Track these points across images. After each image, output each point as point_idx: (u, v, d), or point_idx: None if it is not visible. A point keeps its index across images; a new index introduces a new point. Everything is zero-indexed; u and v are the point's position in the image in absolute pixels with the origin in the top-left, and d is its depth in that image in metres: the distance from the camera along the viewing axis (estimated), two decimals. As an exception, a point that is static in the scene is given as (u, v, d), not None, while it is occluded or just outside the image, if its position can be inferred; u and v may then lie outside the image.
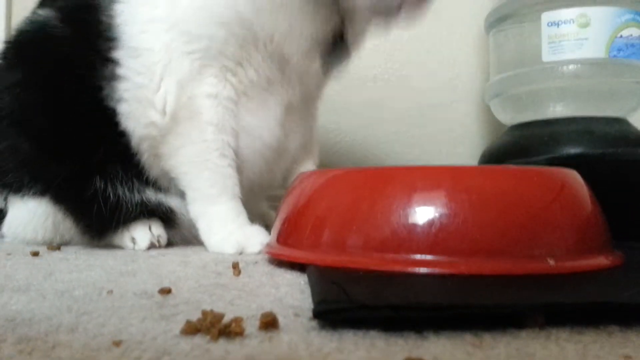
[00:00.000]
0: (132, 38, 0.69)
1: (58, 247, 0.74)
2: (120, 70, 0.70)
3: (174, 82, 0.69)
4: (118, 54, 0.70)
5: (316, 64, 0.74)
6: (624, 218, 0.55)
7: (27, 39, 0.76)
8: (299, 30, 0.69)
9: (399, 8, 0.64)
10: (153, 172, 0.74)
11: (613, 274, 0.45)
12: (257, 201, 0.80)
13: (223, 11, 0.67)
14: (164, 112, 0.70)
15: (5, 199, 0.79)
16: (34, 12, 0.78)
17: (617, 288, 0.40)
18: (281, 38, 0.70)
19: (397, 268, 0.44)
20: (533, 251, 0.44)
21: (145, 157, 0.73)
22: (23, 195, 0.75)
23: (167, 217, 0.77)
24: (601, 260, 0.47)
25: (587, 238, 0.48)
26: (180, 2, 0.68)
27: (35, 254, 0.67)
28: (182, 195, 0.75)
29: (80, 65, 0.70)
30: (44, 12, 0.74)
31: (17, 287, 0.45)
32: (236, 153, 0.73)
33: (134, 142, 0.72)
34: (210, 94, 0.70)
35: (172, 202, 0.76)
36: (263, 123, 0.74)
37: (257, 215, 0.76)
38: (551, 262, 0.43)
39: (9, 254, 0.66)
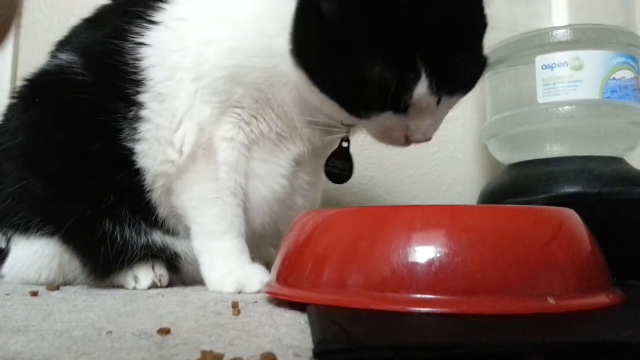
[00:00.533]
0: (159, 83, 0.72)
1: (57, 287, 0.74)
2: (143, 112, 0.72)
3: (194, 124, 0.72)
4: (143, 97, 0.72)
5: (323, 134, 0.76)
6: (623, 256, 0.55)
7: (47, 81, 0.77)
8: (307, 106, 0.72)
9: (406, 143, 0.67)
10: (162, 209, 0.75)
11: (614, 312, 0.45)
12: (262, 247, 0.80)
13: (244, 75, 0.71)
14: (181, 151, 0.72)
15: (8, 240, 0.79)
16: (54, 55, 0.79)
17: (618, 327, 0.40)
18: (290, 108, 0.73)
19: (398, 307, 0.44)
20: (533, 290, 0.44)
21: (158, 194, 0.74)
22: (30, 236, 0.75)
23: (170, 261, 0.77)
24: (602, 299, 0.47)
25: (587, 276, 0.48)
26: (209, 58, 0.71)
27: (35, 293, 0.66)
28: (187, 237, 0.76)
29: (101, 108, 0.72)
30: (66, 57, 0.76)
31: (16, 327, 0.45)
32: (245, 197, 0.74)
33: (149, 178, 0.73)
34: (226, 137, 0.72)
35: (177, 247, 0.77)
36: (271, 173, 0.76)
37: (261, 258, 0.76)
38: (551, 300, 0.43)
39: (7, 294, 0.66)
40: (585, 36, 1.01)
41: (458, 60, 0.59)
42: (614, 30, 1.03)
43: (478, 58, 0.65)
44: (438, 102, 0.62)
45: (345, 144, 0.81)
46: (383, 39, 0.58)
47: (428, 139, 0.66)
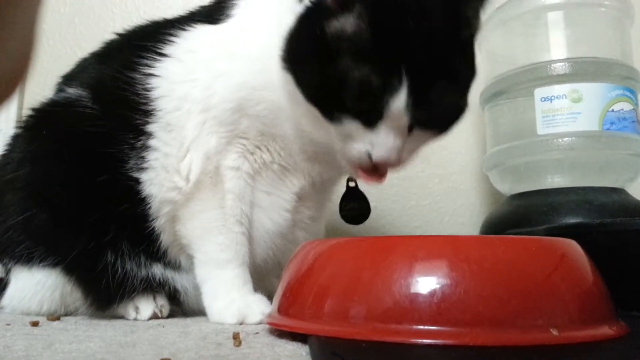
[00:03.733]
0: (168, 114, 0.74)
1: (58, 318, 0.73)
2: (151, 142, 0.74)
3: (201, 153, 0.73)
4: (152, 127, 0.74)
5: (323, 169, 0.77)
6: (625, 288, 0.55)
7: (54, 113, 0.78)
8: (307, 139, 0.73)
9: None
10: (165, 237, 0.75)
11: (617, 344, 0.45)
12: (266, 278, 0.80)
13: (250, 107, 0.72)
14: (187, 179, 0.73)
15: (8, 271, 0.79)
16: (61, 89, 0.81)
17: (622, 358, 0.40)
18: (291, 141, 0.74)
19: (400, 339, 0.44)
20: (536, 321, 0.44)
21: (162, 222, 0.74)
22: (32, 267, 0.75)
23: (170, 296, 0.77)
24: (605, 331, 0.46)
25: (589, 308, 0.48)
26: (217, 91, 0.73)
27: (35, 324, 0.66)
28: (188, 270, 0.76)
29: (108, 140, 0.73)
30: (74, 91, 0.77)
31: (16, 357, 0.45)
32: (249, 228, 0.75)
33: (155, 206, 0.74)
34: (233, 167, 0.74)
35: (177, 282, 0.77)
36: (275, 206, 0.77)
37: (264, 288, 0.76)
38: (554, 332, 0.43)
39: (8, 324, 0.66)
40: (583, 69, 1.02)
41: (438, 86, 0.61)
42: (612, 63, 1.04)
43: (458, 98, 0.66)
44: (410, 130, 0.63)
45: (352, 184, 0.81)
46: (379, 47, 0.60)
47: (391, 163, 0.64)
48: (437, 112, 0.63)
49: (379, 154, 0.63)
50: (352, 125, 0.63)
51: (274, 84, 0.70)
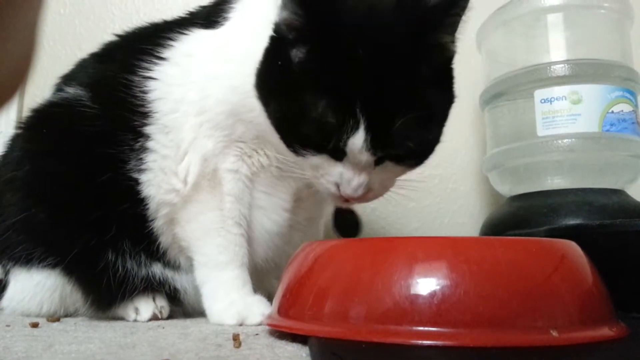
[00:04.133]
0: (164, 116, 0.74)
1: (58, 319, 0.73)
2: (149, 144, 0.74)
3: (199, 156, 0.73)
4: (150, 129, 0.74)
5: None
6: (625, 289, 0.55)
7: (54, 113, 0.78)
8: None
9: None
10: (164, 239, 0.75)
11: (617, 345, 0.45)
12: (266, 279, 0.80)
13: (244, 113, 0.72)
14: (185, 181, 0.73)
15: (7, 272, 0.79)
16: (60, 89, 0.81)
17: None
18: (285, 151, 0.73)
19: (400, 340, 0.44)
20: (536, 322, 0.44)
21: (161, 223, 0.74)
22: (31, 268, 0.75)
23: (170, 295, 0.77)
24: (605, 332, 0.46)
25: (589, 309, 0.48)
26: (212, 94, 0.73)
27: (35, 325, 0.66)
28: (187, 271, 0.76)
29: (108, 140, 0.73)
30: (74, 90, 0.77)
31: (16, 359, 0.45)
32: (249, 229, 0.75)
33: (153, 206, 0.74)
34: (231, 170, 0.74)
35: (177, 282, 0.77)
36: (275, 206, 0.77)
37: (264, 289, 0.76)
38: (554, 333, 0.43)
39: (7, 325, 0.66)
40: (583, 71, 1.02)
41: (402, 122, 0.58)
42: (612, 65, 1.05)
43: (428, 132, 0.63)
44: (378, 163, 0.62)
45: None
46: (333, 83, 0.59)
47: (359, 198, 0.64)
48: (403, 149, 0.61)
49: (346, 191, 0.63)
50: (318, 159, 0.63)
51: None
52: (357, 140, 0.58)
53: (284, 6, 0.61)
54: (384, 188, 0.67)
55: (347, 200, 0.65)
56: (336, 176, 0.63)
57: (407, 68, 0.60)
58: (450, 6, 0.61)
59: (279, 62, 0.63)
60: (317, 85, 0.59)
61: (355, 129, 0.58)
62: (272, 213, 0.76)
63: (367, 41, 0.58)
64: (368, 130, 0.58)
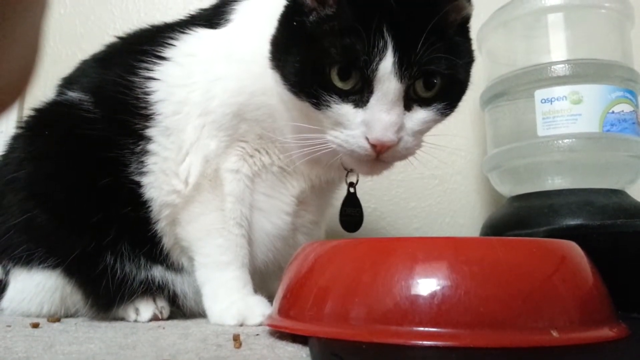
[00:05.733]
0: (167, 118, 0.74)
1: (58, 319, 0.73)
2: (150, 146, 0.73)
3: (200, 157, 0.73)
4: (151, 132, 0.74)
5: (321, 171, 0.77)
6: (626, 289, 0.55)
7: (55, 115, 0.78)
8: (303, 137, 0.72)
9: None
10: (167, 240, 0.75)
11: (618, 346, 0.45)
12: (268, 281, 0.80)
13: (249, 112, 0.72)
14: (186, 182, 0.73)
15: (7, 272, 0.79)
16: (62, 92, 0.80)
17: (623, 361, 0.40)
18: (289, 140, 0.73)
19: (400, 341, 0.44)
20: (536, 323, 0.44)
21: (163, 225, 0.74)
22: (31, 268, 0.75)
23: (170, 299, 0.77)
24: (606, 332, 0.46)
25: (590, 309, 0.48)
26: (216, 95, 0.72)
27: (35, 325, 0.66)
28: (189, 273, 0.76)
29: (110, 144, 0.72)
30: (76, 95, 0.77)
31: (17, 359, 0.45)
32: (249, 230, 0.75)
33: (155, 209, 0.74)
34: (232, 169, 0.73)
35: (177, 286, 0.76)
36: (275, 209, 0.77)
37: (265, 290, 0.76)
38: (555, 334, 0.43)
39: (8, 326, 0.66)
40: (583, 71, 1.02)
41: (428, 44, 0.58)
42: (612, 65, 1.05)
43: (454, 64, 0.62)
44: (409, 107, 0.61)
45: (352, 190, 0.81)
46: (354, 17, 0.59)
47: (390, 141, 0.60)
48: (430, 74, 0.61)
49: (375, 133, 0.60)
50: (342, 110, 0.61)
51: (272, 88, 0.69)
52: (387, 63, 0.58)
53: None
54: (414, 139, 0.64)
55: (379, 151, 0.61)
56: (363, 126, 0.61)
57: (433, 5, 0.60)
58: None
59: (294, 23, 0.63)
60: (341, 26, 0.59)
61: (383, 51, 0.57)
62: (272, 216, 0.76)
63: None
64: (396, 51, 0.58)
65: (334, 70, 0.60)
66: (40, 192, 0.74)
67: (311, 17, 0.62)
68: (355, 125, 0.61)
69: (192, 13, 0.84)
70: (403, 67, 0.58)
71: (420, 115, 0.63)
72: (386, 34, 0.58)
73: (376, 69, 0.58)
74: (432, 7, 0.60)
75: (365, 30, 0.58)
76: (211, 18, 0.79)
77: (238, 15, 0.77)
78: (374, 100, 0.60)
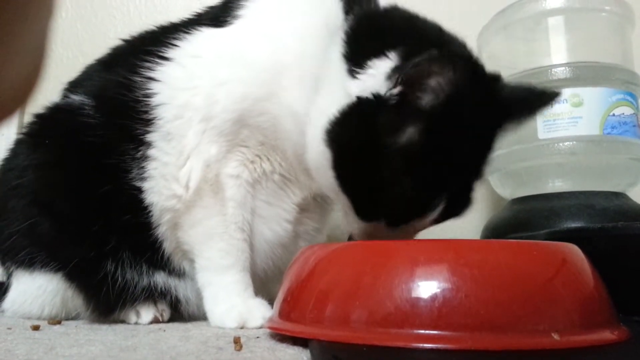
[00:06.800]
0: (168, 123, 0.72)
1: (59, 321, 0.73)
2: (151, 151, 0.73)
3: (201, 161, 0.72)
4: (152, 137, 0.73)
5: None
6: (627, 292, 0.55)
7: (57, 121, 0.77)
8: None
9: None
10: (168, 244, 0.75)
11: (619, 349, 0.45)
12: (270, 286, 0.80)
13: (251, 118, 0.72)
14: (187, 187, 0.73)
15: (9, 274, 0.79)
16: (66, 95, 0.80)
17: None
18: (290, 156, 0.74)
19: (401, 343, 0.44)
20: (537, 326, 0.44)
21: (164, 229, 0.74)
22: (33, 271, 0.75)
23: (172, 306, 0.77)
24: (606, 335, 0.46)
25: (591, 312, 0.48)
26: (219, 100, 0.71)
27: (36, 328, 0.66)
28: (191, 278, 0.76)
29: (111, 151, 0.72)
30: (78, 98, 0.76)
31: (17, 362, 0.45)
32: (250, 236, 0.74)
33: (156, 213, 0.73)
34: (233, 175, 0.73)
35: (179, 292, 0.76)
36: (276, 217, 0.76)
37: (266, 293, 0.76)
38: (556, 336, 0.43)
39: (9, 328, 0.66)
40: (584, 74, 1.02)
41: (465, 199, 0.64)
42: (613, 68, 1.05)
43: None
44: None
45: None
46: (425, 164, 0.59)
47: None
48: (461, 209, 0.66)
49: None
50: (374, 222, 0.64)
51: (278, 95, 0.69)
52: (432, 216, 0.62)
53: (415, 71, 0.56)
54: None
55: None
56: (378, 234, 0.64)
57: (487, 158, 0.65)
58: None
59: (370, 132, 0.60)
60: (411, 164, 0.59)
61: (435, 210, 0.62)
62: (272, 223, 0.76)
63: (469, 138, 0.60)
64: (446, 205, 0.62)
65: (388, 206, 0.62)
66: (43, 200, 0.74)
67: (388, 130, 0.60)
68: (373, 231, 0.65)
69: (199, 11, 0.82)
70: (439, 220, 0.65)
71: None
72: (444, 199, 0.62)
73: (422, 219, 0.63)
74: (488, 157, 0.67)
75: (428, 187, 0.61)
76: (218, 15, 0.78)
77: (247, 12, 0.75)
78: (403, 227, 0.64)
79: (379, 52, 0.60)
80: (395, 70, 0.58)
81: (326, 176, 0.64)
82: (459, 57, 0.58)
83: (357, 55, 0.63)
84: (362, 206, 0.63)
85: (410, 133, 0.58)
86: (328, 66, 0.66)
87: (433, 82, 0.56)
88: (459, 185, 0.62)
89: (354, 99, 0.61)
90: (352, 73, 0.62)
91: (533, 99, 0.67)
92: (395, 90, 0.57)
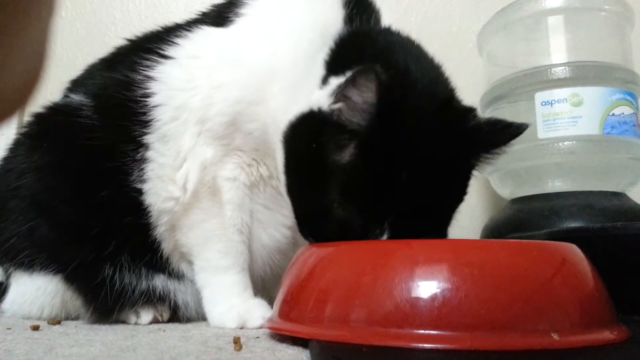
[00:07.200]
0: (165, 125, 0.72)
1: (59, 322, 0.73)
2: (148, 153, 0.72)
3: (197, 164, 0.72)
4: (149, 138, 0.72)
5: None
6: (626, 292, 0.55)
7: (55, 122, 0.77)
8: None
9: None
10: (167, 244, 0.74)
11: (619, 348, 0.45)
12: (271, 287, 0.80)
13: (242, 124, 0.71)
14: (184, 188, 0.72)
15: (9, 275, 0.79)
16: (66, 95, 0.80)
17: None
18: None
19: (401, 343, 0.44)
20: (537, 325, 0.44)
21: (162, 230, 0.73)
22: (33, 272, 0.75)
23: (171, 309, 0.77)
24: (606, 335, 0.46)
25: (590, 312, 0.48)
26: (215, 103, 0.71)
27: (36, 328, 0.66)
28: (190, 280, 0.76)
29: (110, 153, 0.72)
30: (78, 98, 0.76)
31: (17, 362, 0.45)
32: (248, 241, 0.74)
33: (154, 214, 0.73)
34: (229, 178, 0.73)
35: (178, 297, 0.76)
36: (274, 221, 0.76)
37: (266, 294, 0.75)
38: (555, 336, 0.43)
39: (9, 328, 0.66)
40: (583, 73, 1.02)
41: (420, 229, 0.60)
42: (612, 68, 1.05)
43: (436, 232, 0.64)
44: None
45: None
46: (365, 188, 0.59)
47: None
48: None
49: None
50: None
51: (268, 102, 0.69)
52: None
53: (349, 97, 0.57)
54: None
55: None
56: None
57: (445, 192, 0.63)
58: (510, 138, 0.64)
59: (314, 145, 0.61)
60: (351, 187, 0.59)
61: (377, 236, 0.60)
62: (271, 228, 0.76)
63: (413, 163, 0.59)
64: (391, 234, 0.60)
65: (328, 226, 0.62)
66: (42, 203, 0.74)
67: (330, 149, 0.61)
68: None
69: (204, 10, 0.82)
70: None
71: None
72: (386, 226, 0.60)
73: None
74: (445, 192, 0.64)
75: (368, 212, 0.61)
76: (220, 14, 0.77)
77: (249, 11, 0.75)
78: None
79: (340, 70, 0.62)
80: (338, 87, 0.59)
81: (281, 177, 0.67)
82: (387, 74, 0.55)
83: (329, 68, 0.66)
84: (298, 217, 0.66)
85: (349, 154, 0.59)
86: (312, 70, 0.67)
87: (359, 99, 0.57)
88: (406, 213, 0.59)
89: (308, 109, 0.63)
90: (322, 82, 0.65)
91: (498, 132, 0.65)
92: (335, 107, 0.59)
